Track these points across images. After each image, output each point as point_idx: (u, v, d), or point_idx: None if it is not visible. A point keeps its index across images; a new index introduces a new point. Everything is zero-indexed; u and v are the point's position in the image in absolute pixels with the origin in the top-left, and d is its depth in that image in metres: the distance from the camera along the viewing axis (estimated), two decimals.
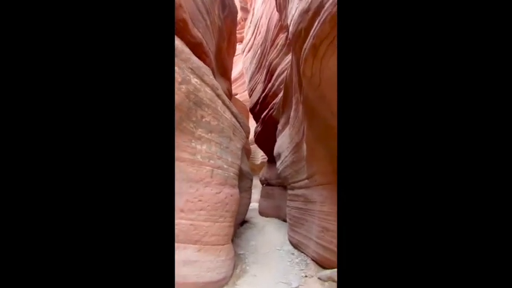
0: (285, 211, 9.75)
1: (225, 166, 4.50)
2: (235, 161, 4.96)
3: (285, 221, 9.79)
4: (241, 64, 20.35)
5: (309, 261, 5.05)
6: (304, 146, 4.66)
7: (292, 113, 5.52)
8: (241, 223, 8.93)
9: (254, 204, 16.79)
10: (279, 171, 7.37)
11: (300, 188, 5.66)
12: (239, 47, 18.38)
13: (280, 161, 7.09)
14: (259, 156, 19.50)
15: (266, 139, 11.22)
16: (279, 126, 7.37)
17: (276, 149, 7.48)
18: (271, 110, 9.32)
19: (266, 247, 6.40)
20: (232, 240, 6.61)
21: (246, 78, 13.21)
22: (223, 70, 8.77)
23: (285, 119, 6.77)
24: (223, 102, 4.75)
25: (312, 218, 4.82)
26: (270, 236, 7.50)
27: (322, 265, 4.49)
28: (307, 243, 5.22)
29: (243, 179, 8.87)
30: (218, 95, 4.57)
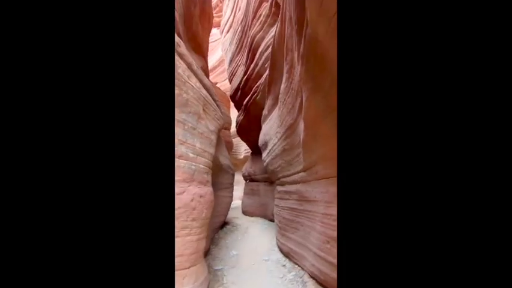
0: (272, 210, 8.60)
1: (191, 155, 3.17)
2: (207, 148, 3.63)
3: (272, 220, 8.65)
4: (220, 51, 18.72)
5: (306, 278, 3.89)
6: (301, 127, 3.43)
7: (282, 87, 4.28)
8: (221, 225, 7.63)
9: (237, 202, 15.50)
10: (265, 164, 6.14)
11: (293, 183, 4.47)
12: (217, 32, 16.81)
13: (266, 152, 5.86)
14: (242, 150, 18.17)
15: (249, 129, 9.96)
16: (265, 111, 6.12)
17: (262, 138, 6.23)
18: (255, 94, 8.05)
19: (250, 257, 5.17)
20: (208, 252, 5.32)
21: (226, 62, 11.76)
22: (195, 44, 7.32)
23: (272, 100, 5.53)
24: (189, 67, 3.39)
25: (312, 223, 3.65)
26: (255, 242, 6.28)
27: (325, 285, 3.36)
28: (303, 254, 4.05)
29: (222, 174, 7.55)
30: (180, 54, 3.20)
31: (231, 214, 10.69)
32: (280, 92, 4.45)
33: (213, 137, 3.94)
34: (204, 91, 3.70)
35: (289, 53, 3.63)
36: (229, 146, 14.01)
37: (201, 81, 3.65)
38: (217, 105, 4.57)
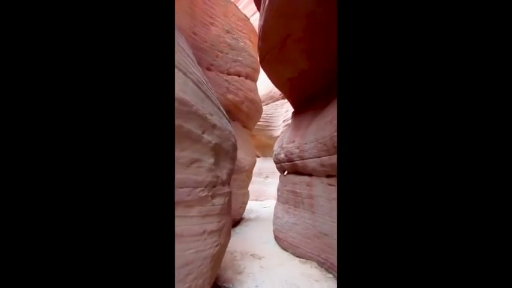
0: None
1: None
2: None
3: None
4: None
5: None
6: None
7: None
8: None
9: (271, 205, 9.13)
10: None
11: None
12: None
13: None
14: (280, 122, 12.10)
15: (285, 44, 3.95)
16: None
17: None
18: None
19: None
20: None
21: None
22: None
23: None
24: None
25: None
26: None
27: None
28: None
29: (184, 148, 1.81)
30: None
31: (253, 241, 5.04)
32: None
33: None
34: None
35: None
36: (254, 110, 8.05)
37: None
38: None
